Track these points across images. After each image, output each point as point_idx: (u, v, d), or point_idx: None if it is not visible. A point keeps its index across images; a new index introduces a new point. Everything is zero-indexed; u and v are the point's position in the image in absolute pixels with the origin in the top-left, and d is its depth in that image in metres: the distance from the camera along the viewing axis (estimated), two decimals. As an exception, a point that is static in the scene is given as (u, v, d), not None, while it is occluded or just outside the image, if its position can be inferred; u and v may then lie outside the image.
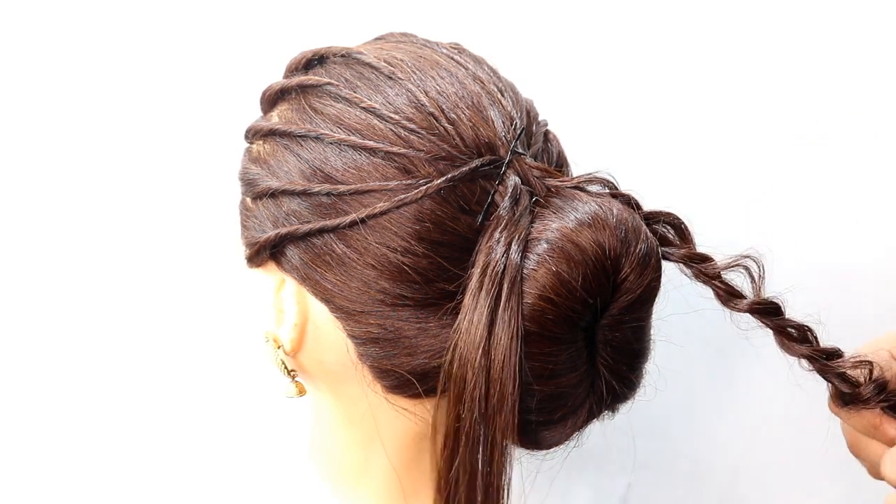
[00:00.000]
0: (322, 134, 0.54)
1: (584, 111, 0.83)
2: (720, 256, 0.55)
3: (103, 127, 0.85)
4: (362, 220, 0.52)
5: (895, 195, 0.84)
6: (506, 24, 0.84)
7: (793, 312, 0.55)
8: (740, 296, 0.54)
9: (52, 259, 0.86)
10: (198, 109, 0.85)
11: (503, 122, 0.54)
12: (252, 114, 0.62)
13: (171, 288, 0.87)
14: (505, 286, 0.50)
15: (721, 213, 0.84)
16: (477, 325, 0.50)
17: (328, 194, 0.53)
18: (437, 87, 0.54)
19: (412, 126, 0.52)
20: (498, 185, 0.53)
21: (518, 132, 0.54)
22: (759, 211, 0.85)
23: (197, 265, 0.87)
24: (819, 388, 0.58)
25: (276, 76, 0.60)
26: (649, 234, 0.54)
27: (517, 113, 0.55)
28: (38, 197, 0.86)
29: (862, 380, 0.55)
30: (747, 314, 0.54)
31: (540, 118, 0.59)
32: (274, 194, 0.55)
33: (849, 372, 0.55)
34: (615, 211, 0.52)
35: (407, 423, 0.57)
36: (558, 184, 0.54)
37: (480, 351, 0.49)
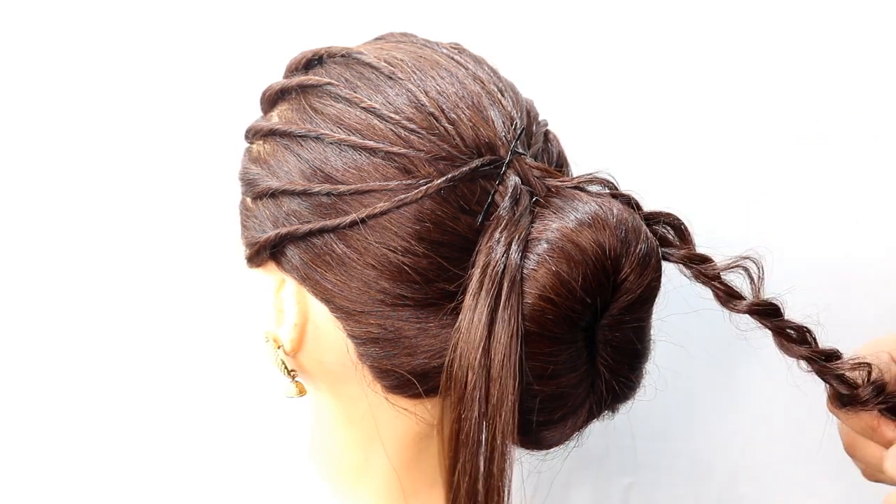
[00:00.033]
0: (322, 134, 0.54)
1: (584, 111, 0.83)
2: (720, 257, 0.55)
3: (104, 127, 0.85)
4: (362, 220, 0.52)
5: (895, 195, 0.84)
6: (506, 24, 0.84)
7: (793, 312, 0.55)
8: (739, 297, 0.54)
9: (52, 259, 0.86)
10: (198, 109, 0.85)
11: (503, 122, 0.54)
12: (252, 114, 0.62)
13: (171, 288, 0.87)
14: (505, 286, 0.50)
15: (721, 213, 0.84)
16: (477, 325, 0.50)
17: (328, 194, 0.53)
18: (438, 87, 0.54)
19: (412, 126, 0.52)
20: (498, 185, 0.53)
21: (518, 132, 0.54)
22: (759, 211, 0.85)
23: (197, 265, 0.87)
24: (818, 389, 0.58)
25: (276, 76, 0.60)
26: (649, 234, 0.54)
27: (517, 113, 0.55)
28: (39, 197, 0.86)
29: (860, 381, 0.55)
30: (746, 315, 0.54)
31: (540, 118, 0.59)
32: (274, 194, 0.55)
33: (847, 373, 0.55)
34: (615, 211, 0.52)
35: (407, 423, 0.57)
36: (558, 184, 0.54)
37: (481, 351, 0.49)
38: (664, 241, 0.55)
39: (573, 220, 0.51)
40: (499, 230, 0.51)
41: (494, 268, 0.50)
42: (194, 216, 0.86)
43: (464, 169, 0.52)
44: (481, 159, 0.52)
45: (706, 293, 0.55)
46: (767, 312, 0.54)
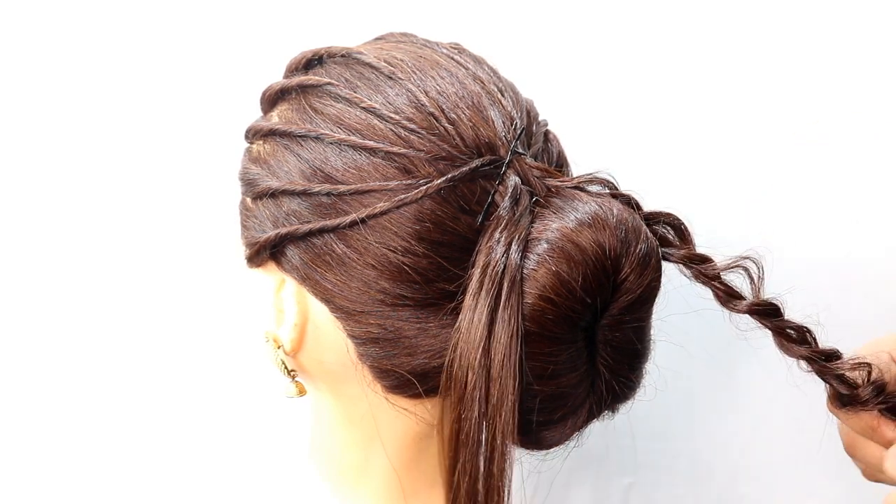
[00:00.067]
0: (322, 134, 0.54)
1: (584, 111, 0.83)
2: (720, 257, 0.55)
3: (104, 127, 0.85)
4: (362, 220, 0.52)
5: (895, 195, 0.84)
6: (506, 24, 0.84)
7: (793, 312, 0.55)
8: (739, 297, 0.54)
9: (52, 259, 0.86)
10: (198, 109, 0.85)
11: (503, 122, 0.54)
12: (252, 114, 0.62)
13: (171, 288, 0.87)
14: (505, 286, 0.50)
15: (721, 213, 0.84)
16: (477, 325, 0.50)
17: (328, 194, 0.53)
18: (438, 87, 0.54)
19: (412, 126, 0.52)
20: (498, 185, 0.53)
21: (518, 132, 0.54)
22: (759, 211, 0.85)
23: (197, 265, 0.87)
24: (818, 389, 0.58)
25: (276, 76, 0.60)
26: (649, 234, 0.54)
27: (517, 113, 0.55)
28: (39, 197, 0.86)
29: (860, 381, 0.55)
30: (746, 315, 0.54)
31: (540, 118, 0.59)
32: (274, 194, 0.55)
33: (847, 373, 0.55)
34: (615, 211, 0.52)
35: (407, 423, 0.57)
36: (558, 184, 0.54)
37: (481, 351, 0.49)
38: (664, 241, 0.55)
39: (573, 220, 0.51)
40: (499, 230, 0.51)
41: (494, 268, 0.50)
42: (194, 216, 0.86)
43: (464, 169, 0.52)
44: (481, 159, 0.52)
45: (706, 293, 0.55)
46: (767, 312, 0.54)
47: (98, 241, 0.86)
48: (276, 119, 0.58)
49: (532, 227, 0.51)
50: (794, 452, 0.88)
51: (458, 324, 0.51)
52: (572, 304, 0.51)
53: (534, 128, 0.57)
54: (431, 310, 0.53)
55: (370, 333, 0.54)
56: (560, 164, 0.59)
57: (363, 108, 0.53)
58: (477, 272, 0.51)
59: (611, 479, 0.91)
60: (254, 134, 0.58)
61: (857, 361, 0.55)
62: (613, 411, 0.58)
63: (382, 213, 0.52)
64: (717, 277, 0.54)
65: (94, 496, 0.88)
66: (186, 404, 0.88)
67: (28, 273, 0.86)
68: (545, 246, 0.51)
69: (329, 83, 0.55)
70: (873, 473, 0.60)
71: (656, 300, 0.56)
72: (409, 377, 0.54)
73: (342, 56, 0.58)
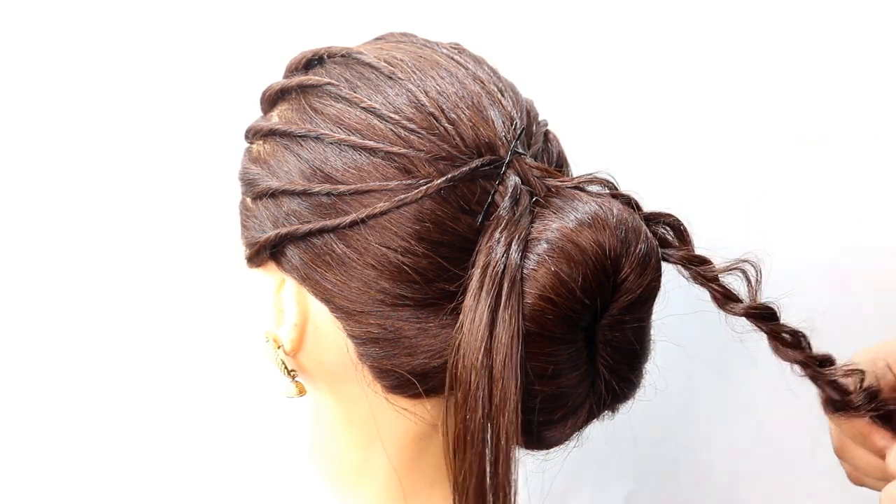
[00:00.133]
0: (322, 134, 0.54)
1: (584, 111, 0.83)
2: (720, 256, 0.55)
3: (104, 127, 0.85)
4: (362, 220, 0.52)
5: (895, 195, 0.84)
6: (506, 24, 0.84)
7: (792, 312, 0.55)
8: (737, 299, 0.54)
9: (53, 259, 0.86)
10: (198, 109, 0.85)
11: (503, 122, 0.54)
12: (252, 114, 0.62)
13: (171, 288, 0.87)
14: (505, 286, 0.50)
15: (721, 214, 0.84)
16: (478, 326, 0.50)
17: (328, 194, 0.53)
18: (437, 87, 0.54)
19: (412, 126, 0.52)
20: (498, 185, 0.53)
21: (518, 132, 0.54)
22: (759, 211, 0.85)
23: (197, 265, 0.87)
24: (818, 392, 0.58)
25: (276, 76, 0.60)
26: (649, 234, 0.54)
27: (517, 113, 0.55)
28: (40, 197, 0.86)
29: (854, 388, 0.56)
30: (743, 318, 0.54)
31: (540, 118, 0.59)
32: (274, 194, 0.55)
33: (840, 379, 0.55)
34: (615, 211, 0.52)
35: (407, 423, 0.57)
36: (558, 184, 0.54)
37: (482, 351, 0.49)
38: (663, 242, 0.55)
39: (573, 220, 0.51)
40: (499, 230, 0.51)
41: (494, 268, 0.50)
42: (194, 216, 0.86)
43: (464, 169, 0.52)
44: (481, 159, 0.52)
45: (706, 294, 0.55)
46: (764, 316, 0.54)
47: (98, 241, 0.86)
48: (276, 119, 0.58)
49: (532, 227, 0.51)
50: (795, 455, 0.88)
51: (459, 324, 0.51)
52: (572, 304, 0.51)
53: (534, 128, 0.57)
54: (431, 310, 0.53)
55: (370, 333, 0.54)
56: (560, 164, 0.59)
57: (363, 108, 0.53)
58: (477, 272, 0.51)
59: (611, 486, 0.91)
60: (254, 134, 0.58)
61: (850, 368, 0.55)
62: (613, 411, 0.58)
63: (382, 213, 0.52)
64: (716, 279, 0.54)
65: (94, 496, 0.88)
66: (187, 404, 0.88)
67: (28, 273, 0.87)
68: (545, 246, 0.51)
69: (329, 83, 0.55)
70: (859, 477, 0.60)
71: (656, 300, 0.56)
72: (409, 377, 0.54)
73: (342, 56, 0.58)
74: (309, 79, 0.57)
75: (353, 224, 0.52)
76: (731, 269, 0.54)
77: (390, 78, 0.54)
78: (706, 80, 0.84)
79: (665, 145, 0.85)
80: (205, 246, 0.85)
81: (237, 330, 0.84)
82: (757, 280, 0.54)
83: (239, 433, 0.89)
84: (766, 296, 0.54)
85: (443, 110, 0.53)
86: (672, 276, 0.56)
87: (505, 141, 0.53)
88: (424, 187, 0.51)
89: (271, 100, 0.59)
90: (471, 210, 0.52)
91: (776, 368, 0.56)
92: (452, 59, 0.56)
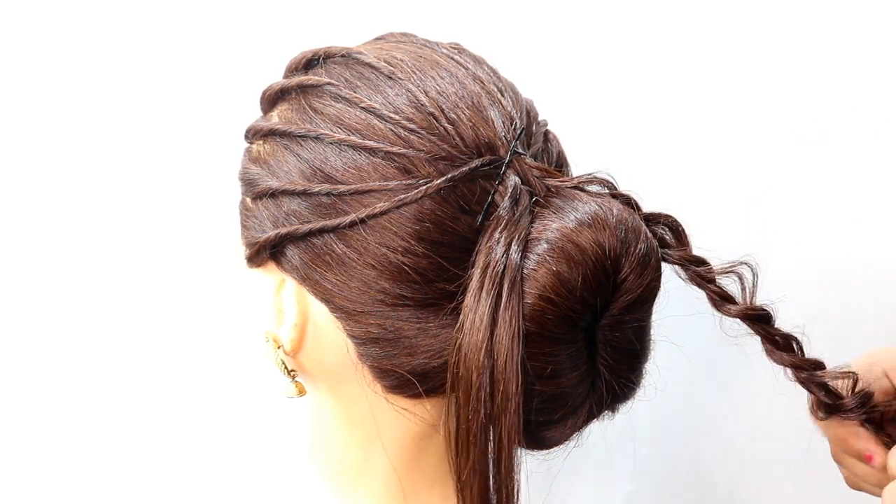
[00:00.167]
0: (322, 134, 0.54)
1: (584, 111, 0.83)
2: (720, 257, 0.55)
3: (104, 127, 0.85)
4: (362, 220, 0.52)
5: (895, 195, 0.84)
6: (506, 24, 0.84)
7: (792, 312, 0.55)
8: (732, 301, 0.54)
9: (53, 260, 0.86)
10: (198, 109, 0.85)
11: (503, 122, 0.54)
12: (252, 114, 0.62)
13: (171, 288, 0.87)
14: (505, 286, 0.50)
15: (720, 214, 0.84)
16: (479, 326, 0.50)
17: (328, 194, 0.53)
18: (437, 87, 0.54)
19: (412, 126, 0.52)
20: (498, 185, 0.53)
21: (518, 132, 0.54)
22: (759, 211, 0.85)
23: (197, 265, 0.87)
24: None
25: (276, 76, 0.60)
26: (649, 234, 0.54)
27: (517, 113, 0.55)
28: (40, 198, 0.86)
29: (846, 392, 0.56)
30: (737, 319, 0.55)
31: (540, 118, 0.59)
32: (274, 194, 0.55)
33: (831, 383, 0.55)
34: (615, 211, 0.52)
35: (407, 423, 0.57)
36: (558, 184, 0.54)
37: (483, 352, 0.49)
38: (662, 243, 0.55)
39: (573, 220, 0.51)
40: (499, 230, 0.51)
41: (494, 268, 0.50)
42: (194, 216, 0.86)
43: (464, 169, 0.52)
44: (481, 159, 0.52)
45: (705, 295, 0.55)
46: (758, 318, 0.54)
47: (98, 241, 0.86)
48: (275, 119, 0.58)
49: (532, 227, 0.51)
50: (795, 455, 0.88)
51: (459, 324, 0.51)
52: (572, 304, 0.51)
53: (534, 128, 0.57)
54: (431, 310, 0.53)
55: (370, 333, 0.54)
56: (560, 164, 0.59)
57: (363, 108, 0.53)
58: (477, 272, 0.51)
59: (611, 486, 0.91)
60: (254, 134, 0.58)
61: (842, 371, 0.55)
62: (613, 411, 0.58)
63: (382, 213, 0.52)
64: (713, 280, 0.54)
65: (94, 496, 0.88)
66: (187, 404, 0.88)
67: (29, 274, 0.86)
68: (545, 246, 0.51)
69: (329, 83, 0.55)
70: (856, 482, 0.61)
71: (656, 300, 0.56)
72: (409, 377, 0.54)
73: (342, 56, 0.58)
74: (309, 79, 0.57)
75: (352, 224, 0.52)
76: (728, 271, 0.54)
77: (390, 78, 0.54)
78: (706, 80, 0.84)
79: (664, 145, 0.85)
80: (205, 246, 0.85)
81: (237, 330, 0.84)
82: (753, 283, 0.54)
83: (239, 433, 0.89)
84: (766, 297, 0.55)
85: (443, 110, 0.53)
86: (672, 277, 0.56)
87: (505, 141, 0.53)
88: (424, 187, 0.51)
89: (271, 100, 0.59)
90: (471, 210, 0.52)
91: (776, 369, 0.57)
92: (452, 59, 0.56)
